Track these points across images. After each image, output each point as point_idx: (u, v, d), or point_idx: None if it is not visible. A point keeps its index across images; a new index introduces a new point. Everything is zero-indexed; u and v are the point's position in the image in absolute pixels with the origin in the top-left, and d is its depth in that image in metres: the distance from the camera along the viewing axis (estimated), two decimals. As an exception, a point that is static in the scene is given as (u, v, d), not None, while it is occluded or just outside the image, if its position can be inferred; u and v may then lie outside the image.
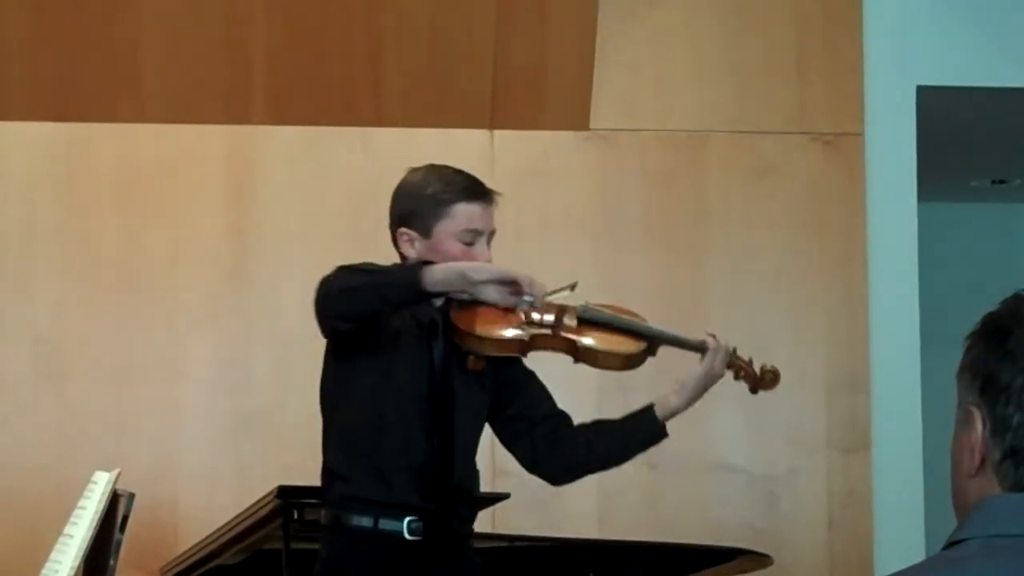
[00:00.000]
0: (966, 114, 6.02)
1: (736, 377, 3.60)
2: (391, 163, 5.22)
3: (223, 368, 5.11)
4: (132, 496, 3.27)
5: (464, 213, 3.36)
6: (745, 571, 4.30)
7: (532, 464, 3.55)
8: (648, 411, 3.49)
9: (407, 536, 3.32)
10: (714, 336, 3.48)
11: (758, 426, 5.31)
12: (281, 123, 5.18)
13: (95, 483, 3.30)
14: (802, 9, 5.43)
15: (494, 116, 5.23)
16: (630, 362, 3.49)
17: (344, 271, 3.29)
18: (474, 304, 3.35)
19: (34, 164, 5.13)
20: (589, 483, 5.11)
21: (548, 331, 3.40)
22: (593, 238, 5.31)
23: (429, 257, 3.35)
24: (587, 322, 3.45)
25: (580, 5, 5.21)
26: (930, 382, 5.39)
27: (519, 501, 4.22)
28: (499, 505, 4.24)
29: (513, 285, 3.26)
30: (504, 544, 4.13)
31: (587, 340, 3.44)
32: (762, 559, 4.26)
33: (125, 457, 4.57)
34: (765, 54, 5.42)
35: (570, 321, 3.42)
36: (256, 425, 5.11)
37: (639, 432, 3.50)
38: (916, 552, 5.15)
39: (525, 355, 3.46)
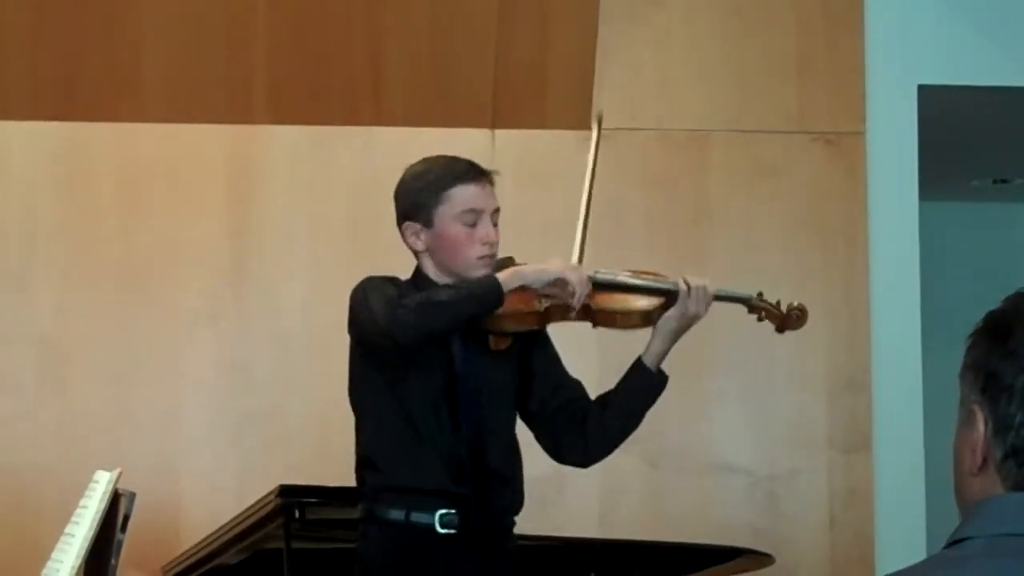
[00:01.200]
0: (967, 113, 6.01)
1: (759, 319, 3.63)
2: (392, 163, 5.22)
3: (224, 368, 5.11)
4: (133, 496, 3.27)
5: (461, 196, 3.40)
6: (746, 571, 4.30)
7: (556, 453, 3.58)
8: (639, 366, 3.51)
9: (439, 529, 3.32)
10: (685, 280, 3.48)
11: (759, 426, 5.31)
12: (282, 123, 5.18)
13: (96, 483, 3.30)
14: (803, 9, 5.43)
15: (495, 115, 5.23)
16: (649, 318, 3.50)
17: (415, 304, 3.27)
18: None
19: (35, 164, 5.13)
20: (590, 482, 5.14)
21: (563, 302, 3.42)
22: (594, 237, 5.27)
23: (435, 245, 3.40)
24: (600, 285, 3.49)
25: (581, 5, 5.21)
26: (931, 381, 5.39)
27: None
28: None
29: (562, 283, 3.35)
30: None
31: (603, 303, 3.47)
32: (763, 559, 4.26)
33: (126, 457, 4.56)
34: (766, 54, 5.42)
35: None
36: (257, 425, 5.11)
37: (641, 388, 3.53)
38: (917, 551, 5.14)
39: (543, 327, 3.48)
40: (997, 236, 8.01)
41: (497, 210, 3.46)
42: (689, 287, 3.46)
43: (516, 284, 3.31)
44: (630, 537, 4.61)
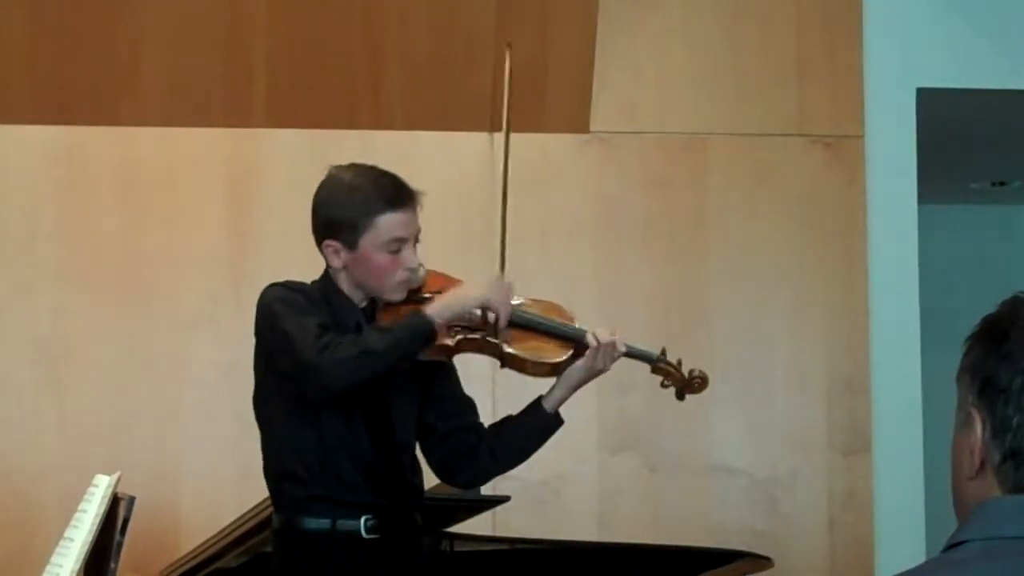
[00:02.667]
0: (966, 116, 6.02)
1: (663, 385, 3.59)
2: (392, 166, 5.21)
3: (224, 370, 5.11)
4: (133, 499, 3.27)
5: (389, 224, 3.35)
6: (746, 573, 4.30)
7: (441, 472, 3.59)
8: (537, 407, 3.50)
9: (364, 535, 3.33)
10: (595, 336, 3.43)
11: (758, 428, 5.31)
12: (281, 126, 5.18)
13: (95, 486, 3.29)
14: (802, 12, 5.43)
15: (495, 119, 5.23)
16: (556, 370, 3.47)
17: (349, 358, 3.23)
18: (398, 306, 3.38)
19: (35, 167, 5.13)
20: (589, 485, 5.14)
21: (476, 336, 3.40)
22: (593, 241, 5.31)
23: (355, 267, 3.37)
24: (516, 326, 3.43)
25: (580, 8, 5.21)
26: (930, 384, 5.39)
27: (519, 504, 4.23)
28: (499, 508, 4.24)
29: (486, 307, 3.34)
30: (504, 547, 4.13)
31: (514, 349, 3.43)
32: (763, 562, 4.26)
33: (126, 460, 4.56)
34: (765, 57, 5.42)
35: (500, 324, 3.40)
36: (256, 427, 5.10)
37: (537, 428, 3.52)
38: (916, 554, 5.15)
39: (450, 359, 3.46)
40: (996, 238, 8.01)
41: (419, 231, 3.41)
42: (599, 343, 3.42)
43: (448, 318, 3.29)
44: (629, 540, 4.60)
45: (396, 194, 3.38)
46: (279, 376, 3.37)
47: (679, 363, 3.58)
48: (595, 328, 3.46)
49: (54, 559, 3.23)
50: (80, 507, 3.28)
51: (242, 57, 5.13)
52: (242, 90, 5.15)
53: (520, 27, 5.17)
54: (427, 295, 3.41)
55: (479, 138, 5.21)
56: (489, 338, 3.38)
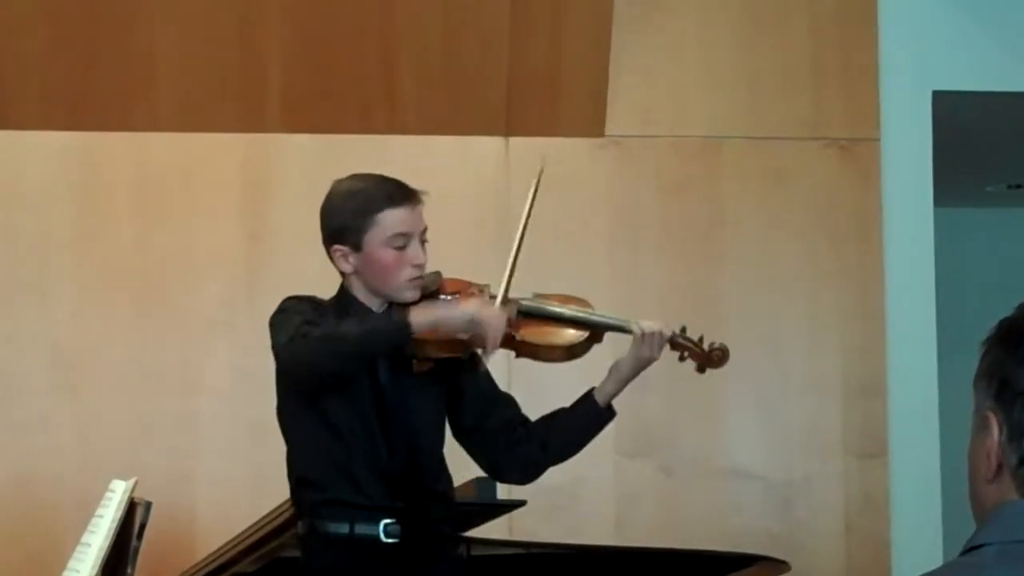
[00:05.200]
0: (982, 119, 6.01)
1: (681, 359, 3.60)
2: (406, 171, 5.20)
3: (239, 375, 5.11)
4: (149, 504, 3.28)
5: (390, 220, 3.39)
6: (762, 577, 4.29)
7: (492, 471, 3.61)
8: (589, 399, 3.52)
9: (384, 539, 3.34)
10: (642, 329, 3.47)
11: (774, 432, 5.30)
12: (296, 131, 5.19)
13: (112, 492, 3.30)
14: (817, 14, 5.42)
15: (509, 123, 5.23)
16: (571, 352, 3.48)
17: (316, 339, 3.26)
18: (410, 307, 3.39)
19: (50, 173, 5.14)
20: (605, 489, 5.14)
21: (476, 342, 3.39)
22: (608, 245, 5.30)
23: (364, 268, 3.41)
24: (527, 315, 3.46)
25: (595, 12, 5.21)
26: (947, 387, 5.38)
27: (535, 508, 4.23)
28: (515, 512, 4.24)
29: (476, 326, 3.30)
30: (520, 551, 4.13)
31: (526, 335, 3.44)
32: (779, 565, 4.25)
33: (142, 465, 4.57)
34: (780, 60, 5.42)
35: (511, 316, 3.41)
36: (273, 432, 5.09)
37: (588, 421, 3.54)
38: (933, 558, 5.13)
39: (466, 355, 3.44)
40: (1012, 241, 8.00)
41: (425, 230, 3.44)
42: (645, 333, 3.45)
43: (427, 326, 3.28)
44: (645, 544, 4.60)
45: (396, 191, 3.42)
46: (293, 388, 3.42)
47: (700, 339, 3.59)
48: (640, 320, 3.49)
49: (71, 564, 3.24)
50: (97, 512, 3.29)
51: (256, 62, 5.13)
52: (256, 95, 5.16)
53: (534, 31, 5.17)
54: (445, 296, 3.44)
55: (493, 142, 5.21)
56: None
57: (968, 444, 1.62)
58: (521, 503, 4.03)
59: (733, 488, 5.26)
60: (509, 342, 3.42)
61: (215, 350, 5.13)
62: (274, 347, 3.38)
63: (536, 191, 3.58)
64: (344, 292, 3.48)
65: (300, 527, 3.46)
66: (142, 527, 3.26)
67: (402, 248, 3.38)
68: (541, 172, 3.61)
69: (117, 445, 5.01)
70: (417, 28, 5.14)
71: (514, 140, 5.24)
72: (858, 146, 5.41)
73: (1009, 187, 7.47)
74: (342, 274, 3.48)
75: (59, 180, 5.13)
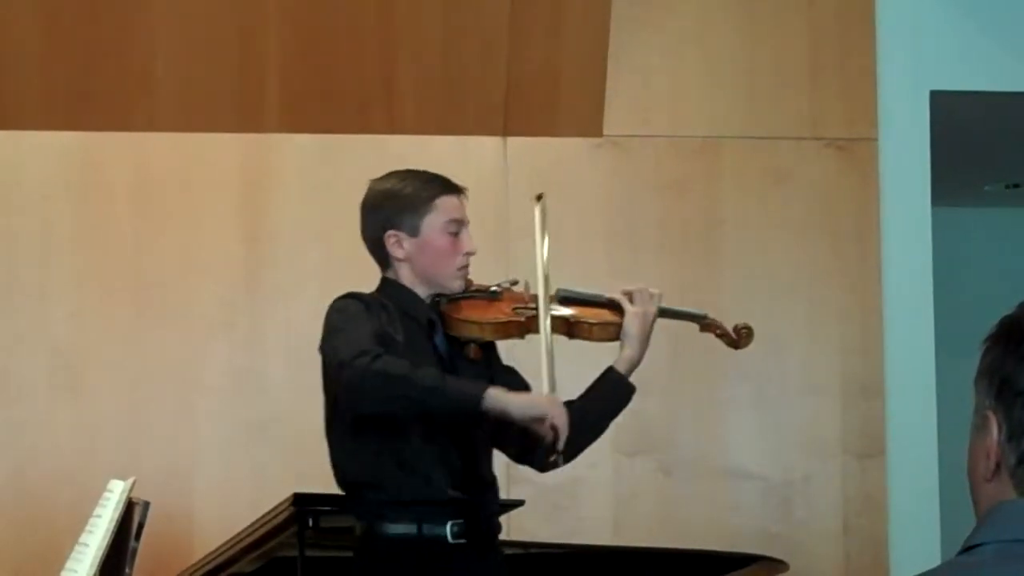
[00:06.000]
0: (980, 119, 6.01)
1: (717, 336, 3.77)
2: (405, 170, 5.17)
3: (238, 376, 5.12)
4: (147, 504, 3.28)
5: (447, 205, 3.48)
6: (761, 577, 4.29)
7: (518, 456, 3.61)
8: (609, 373, 3.57)
9: (451, 540, 3.33)
10: (628, 294, 3.58)
11: (773, 432, 5.30)
12: (294, 131, 5.19)
13: (110, 492, 3.30)
14: (815, 15, 5.43)
15: (507, 123, 5.23)
16: (619, 331, 3.60)
17: (386, 377, 3.24)
18: (460, 299, 3.50)
19: (49, 173, 5.14)
20: (604, 489, 5.14)
21: (534, 313, 3.51)
22: (607, 244, 5.31)
23: (419, 254, 3.45)
24: (571, 301, 3.61)
25: (593, 12, 5.21)
26: (945, 387, 5.38)
27: (534, 508, 4.23)
28: (514, 512, 4.23)
29: (542, 421, 3.33)
30: (519, 551, 4.12)
31: (579, 313, 3.58)
32: (778, 565, 4.25)
33: (140, 465, 4.58)
34: (778, 60, 5.42)
35: (556, 307, 3.55)
36: (271, 432, 5.11)
37: (610, 396, 3.58)
38: (932, 557, 5.14)
39: (523, 337, 3.54)
40: (1010, 240, 8.00)
41: (468, 222, 3.54)
42: (631, 292, 3.58)
43: (498, 411, 3.29)
44: (644, 544, 4.61)
45: (447, 180, 3.52)
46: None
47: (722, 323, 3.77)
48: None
49: (69, 564, 3.25)
50: (95, 512, 3.29)
51: (255, 62, 5.13)
52: (255, 95, 5.16)
53: (533, 32, 5.17)
54: (491, 288, 3.55)
55: (492, 142, 5.21)
56: (554, 312, 3.52)
57: (967, 443, 1.62)
58: (520, 503, 4.03)
59: (732, 488, 5.26)
60: (564, 323, 3.55)
61: (214, 350, 5.13)
62: (327, 357, 3.36)
63: (543, 230, 3.66)
64: (391, 283, 3.49)
65: (357, 529, 3.42)
66: (140, 527, 3.26)
67: (455, 235, 3.46)
68: (542, 205, 3.67)
69: (116, 445, 5.02)
70: (416, 28, 5.14)
71: (512, 140, 5.24)
72: (856, 146, 5.42)
73: (1007, 187, 7.47)
74: (386, 266, 3.49)
75: (59, 180, 5.13)
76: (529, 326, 3.51)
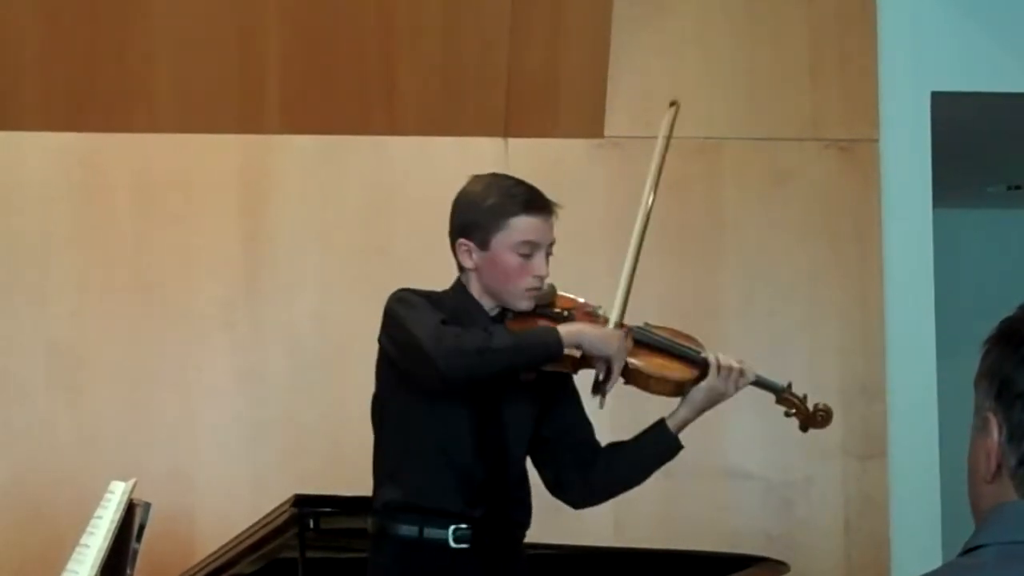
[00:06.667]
0: (981, 120, 6.01)
1: (787, 415, 3.62)
2: (405, 172, 5.22)
3: (238, 376, 5.12)
4: (148, 505, 3.28)
5: (522, 226, 3.37)
6: (761, 578, 4.29)
7: (555, 487, 3.57)
8: (661, 426, 3.51)
9: (452, 544, 3.32)
10: (724, 361, 3.47)
11: (774, 433, 5.29)
12: (295, 132, 5.19)
13: (111, 493, 3.30)
14: (816, 16, 5.43)
15: (508, 124, 5.23)
16: (680, 389, 3.47)
17: (473, 352, 3.22)
18: (529, 316, 3.40)
19: (50, 174, 5.14)
20: (605, 491, 5.13)
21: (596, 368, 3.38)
22: (607, 245, 5.30)
23: (486, 268, 3.38)
24: (642, 344, 3.46)
25: (593, 13, 5.21)
26: (946, 388, 5.38)
27: (534, 508, 4.22)
28: (515, 513, 4.23)
29: (606, 361, 3.32)
30: (520, 552, 4.12)
31: (639, 363, 3.43)
32: (779, 566, 4.25)
33: (141, 466, 4.58)
34: (779, 61, 5.42)
35: (627, 343, 3.41)
36: (272, 433, 5.11)
37: (655, 448, 3.52)
38: (933, 559, 5.14)
39: (576, 371, 3.44)
40: (1012, 242, 8.00)
41: (553, 243, 3.44)
42: (719, 364, 3.46)
43: (574, 344, 3.27)
44: (645, 545, 4.60)
45: (531, 199, 3.41)
46: (396, 381, 3.36)
47: (804, 397, 3.60)
48: (719, 353, 3.49)
49: (70, 565, 3.24)
50: (96, 513, 3.29)
51: (255, 63, 5.13)
52: (255, 96, 5.16)
53: (534, 33, 5.17)
54: (559, 311, 3.43)
55: (492, 143, 5.21)
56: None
57: (967, 445, 1.62)
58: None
59: (733, 488, 5.26)
60: (625, 367, 3.41)
61: (214, 351, 5.13)
62: (399, 341, 3.30)
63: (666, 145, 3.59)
64: (461, 288, 3.44)
65: (370, 525, 3.42)
66: (141, 528, 3.26)
67: (527, 256, 3.37)
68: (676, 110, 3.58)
69: (116, 446, 5.02)
70: (416, 29, 5.14)
71: (513, 141, 5.24)
72: (857, 147, 5.42)
73: (1009, 188, 7.47)
74: (461, 269, 3.44)
75: (59, 181, 5.13)
76: (584, 363, 3.36)
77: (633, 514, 5.18)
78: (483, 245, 3.37)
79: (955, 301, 6.62)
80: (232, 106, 5.15)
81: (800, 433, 5.36)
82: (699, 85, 5.39)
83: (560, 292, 3.50)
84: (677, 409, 3.50)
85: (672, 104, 3.67)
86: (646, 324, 3.52)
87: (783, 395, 3.60)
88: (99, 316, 5.10)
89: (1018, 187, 7.45)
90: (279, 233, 5.19)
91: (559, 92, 5.26)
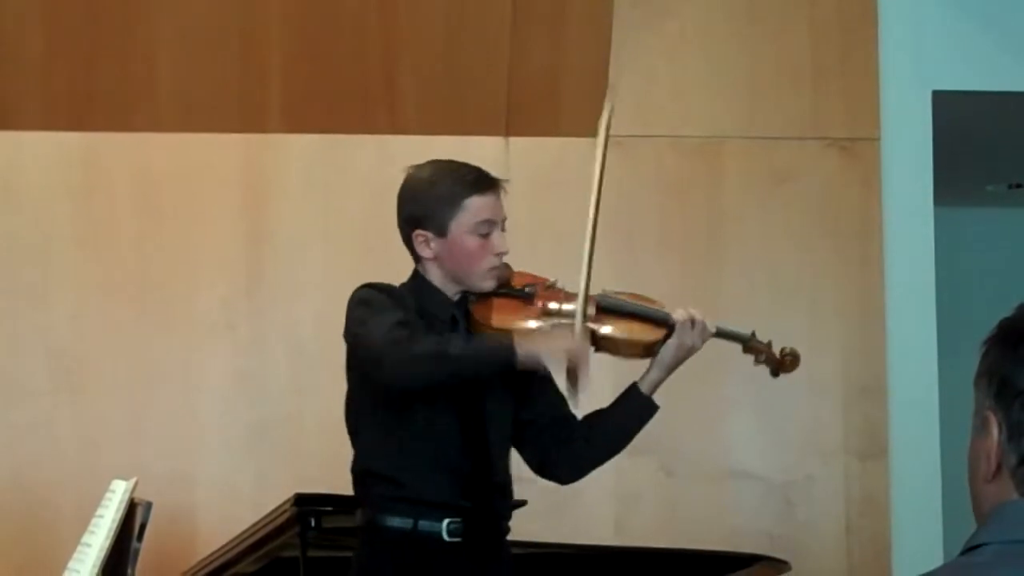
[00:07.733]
0: (982, 119, 6.01)
1: (756, 362, 3.65)
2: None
3: (240, 377, 5.12)
4: (149, 505, 3.28)
5: (476, 205, 3.39)
6: (763, 578, 4.30)
7: (541, 467, 3.59)
8: (634, 390, 3.52)
9: (446, 537, 3.33)
10: (686, 315, 3.48)
11: (775, 433, 5.30)
12: (296, 131, 5.19)
13: (112, 492, 3.30)
14: (817, 15, 5.42)
15: (509, 123, 5.23)
16: (650, 350, 3.50)
17: (424, 356, 3.23)
18: (491, 297, 3.42)
19: (50, 174, 5.14)
20: (605, 490, 5.13)
21: (568, 321, 3.41)
22: (608, 245, 5.29)
23: (446, 254, 3.39)
24: (607, 310, 3.48)
25: (595, 12, 5.21)
26: (947, 387, 5.38)
27: (536, 508, 4.22)
28: (516, 512, 4.23)
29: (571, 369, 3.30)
30: (520, 551, 4.12)
31: (607, 329, 3.46)
32: (780, 565, 4.26)
33: (142, 466, 4.57)
34: (780, 60, 5.42)
35: (590, 310, 3.43)
36: (273, 433, 5.11)
37: (632, 413, 3.53)
38: (934, 558, 5.13)
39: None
40: (1013, 241, 8.00)
41: (505, 219, 3.46)
42: (688, 318, 3.47)
43: (532, 360, 3.25)
44: (646, 544, 4.61)
45: (480, 177, 3.43)
46: (364, 376, 3.37)
47: (769, 343, 3.64)
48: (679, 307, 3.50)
49: (72, 564, 3.24)
50: (97, 512, 3.29)
51: (257, 63, 5.13)
52: (257, 96, 5.16)
53: (535, 32, 5.17)
54: (520, 288, 3.46)
55: (494, 142, 5.21)
56: (585, 323, 3.40)
57: (968, 444, 1.62)
58: (522, 503, 4.02)
59: (733, 488, 5.26)
60: (591, 336, 3.43)
61: (215, 351, 5.13)
62: (357, 341, 3.33)
63: (605, 148, 3.60)
64: (419, 278, 3.45)
65: (359, 518, 3.42)
66: (142, 527, 3.26)
67: (486, 236, 3.39)
68: (610, 118, 3.62)
69: (117, 446, 5.02)
70: (418, 28, 5.14)
71: (515, 140, 5.24)
72: (858, 146, 5.42)
73: (1009, 187, 7.47)
74: (418, 260, 3.44)
75: (59, 181, 5.13)
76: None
77: (634, 513, 5.19)
78: (440, 232, 3.38)
79: (956, 300, 6.62)
80: (233, 105, 5.15)
81: (800, 433, 5.38)
82: (700, 84, 5.39)
83: (517, 269, 3.50)
84: (648, 371, 3.50)
85: (607, 103, 3.67)
86: (605, 292, 3.53)
87: (749, 343, 3.63)
88: (100, 316, 5.10)
89: (1019, 186, 7.44)
90: (280, 233, 5.19)
91: (560, 91, 5.26)
